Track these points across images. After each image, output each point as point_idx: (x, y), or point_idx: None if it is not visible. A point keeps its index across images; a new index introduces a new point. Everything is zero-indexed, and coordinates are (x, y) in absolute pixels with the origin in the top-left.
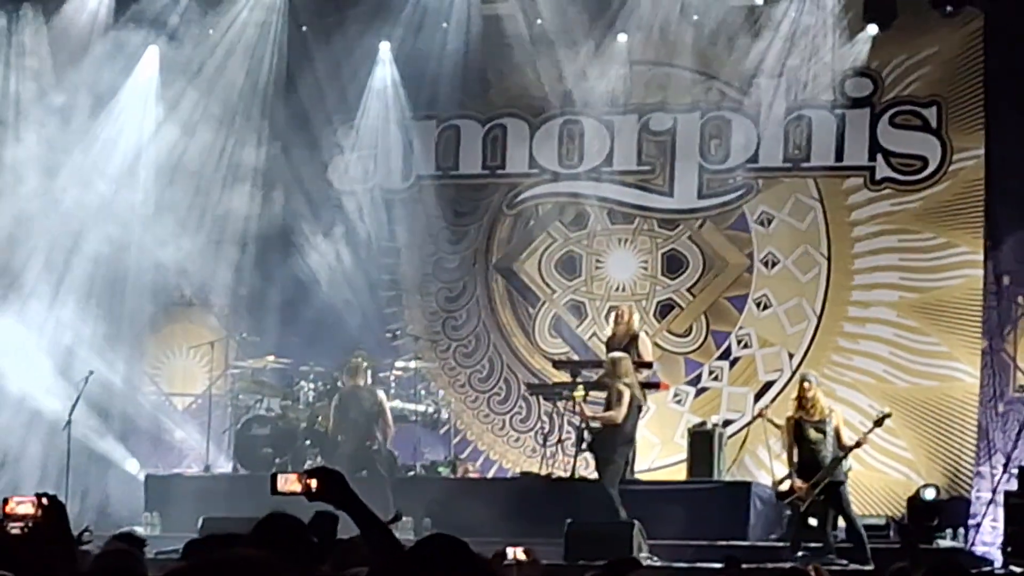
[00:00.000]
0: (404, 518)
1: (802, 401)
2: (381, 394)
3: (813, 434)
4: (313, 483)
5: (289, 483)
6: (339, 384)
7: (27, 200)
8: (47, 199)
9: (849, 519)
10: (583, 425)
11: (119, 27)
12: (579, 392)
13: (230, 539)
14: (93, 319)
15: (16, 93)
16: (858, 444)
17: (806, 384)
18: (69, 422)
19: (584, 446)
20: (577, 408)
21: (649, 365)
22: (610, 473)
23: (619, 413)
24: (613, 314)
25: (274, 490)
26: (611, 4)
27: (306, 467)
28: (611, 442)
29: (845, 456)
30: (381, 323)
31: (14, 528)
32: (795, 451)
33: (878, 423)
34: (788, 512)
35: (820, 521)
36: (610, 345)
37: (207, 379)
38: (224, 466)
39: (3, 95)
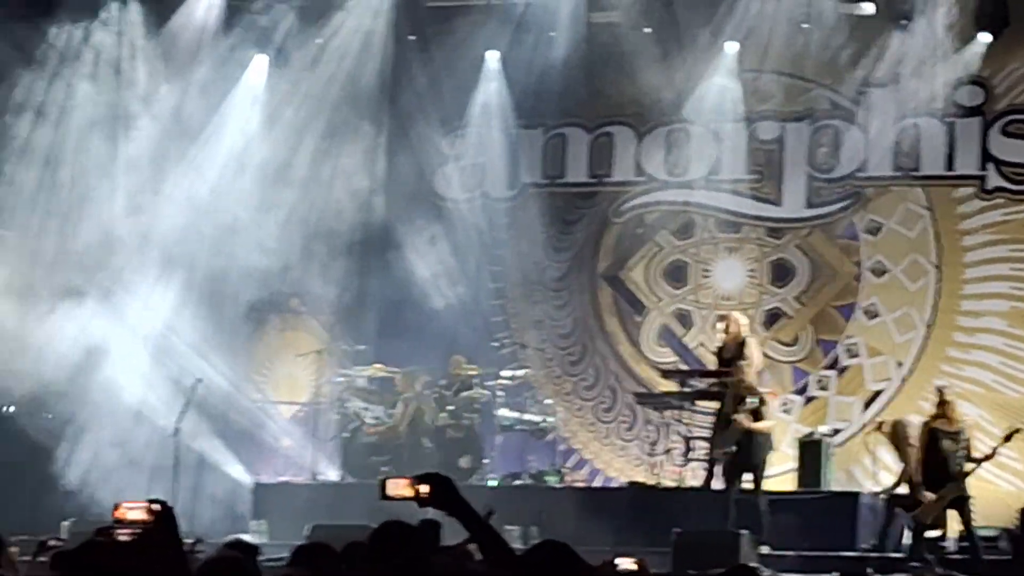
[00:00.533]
0: (510, 526)
1: (943, 410)
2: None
3: (947, 444)
4: (423, 489)
5: (399, 488)
6: (444, 393)
7: (132, 202)
8: (153, 202)
9: (970, 532)
10: (721, 441)
11: (227, 34)
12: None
13: (345, 547)
14: (200, 325)
15: (125, 95)
16: (988, 458)
17: (945, 393)
18: (177, 429)
19: (719, 453)
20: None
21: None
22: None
23: (769, 422)
24: (722, 323)
25: (384, 495)
26: (720, 12)
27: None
28: (764, 450)
29: (975, 469)
30: (487, 332)
31: (123, 535)
32: (923, 460)
33: (1007, 438)
34: (903, 522)
35: (941, 534)
36: (721, 354)
37: (312, 387)
38: (331, 474)
39: (114, 93)
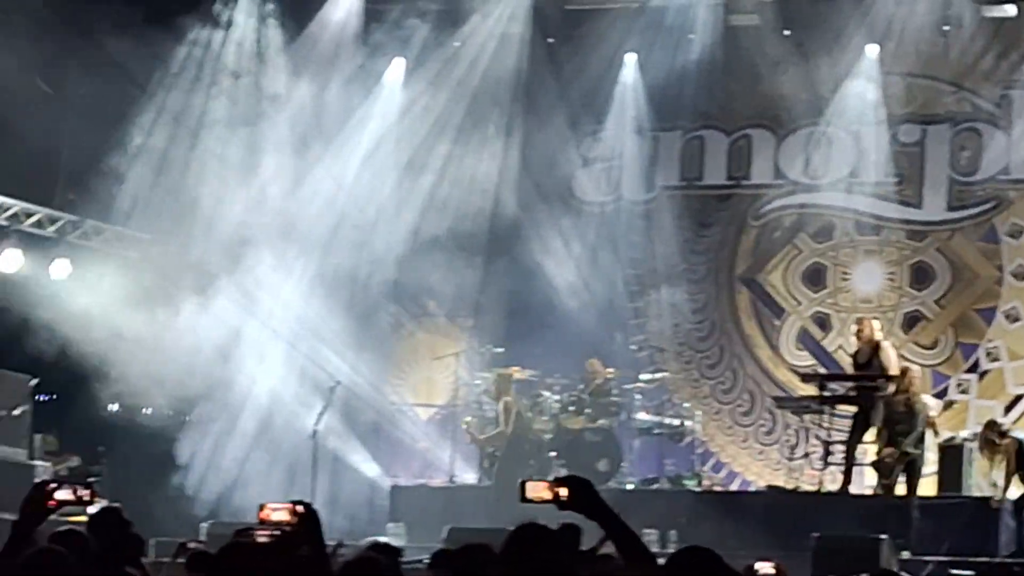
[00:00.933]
0: (648, 529)
1: None
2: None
3: None
4: (563, 491)
5: (539, 491)
6: (582, 396)
7: (270, 200)
8: (288, 203)
9: None
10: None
11: (365, 38)
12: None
13: (480, 549)
14: (337, 327)
15: (262, 94)
16: None
17: None
18: (316, 431)
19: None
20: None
21: (892, 377)
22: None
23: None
24: (855, 327)
25: (523, 498)
26: (860, 15)
27: (551, 477)
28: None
29: None
30: (624, 334)
31: (262, 536)
32: None
33: None
34: None
35: None
36: (856, 358)
37: (450, 390)
38: (469, 477)
39: (250, 97)
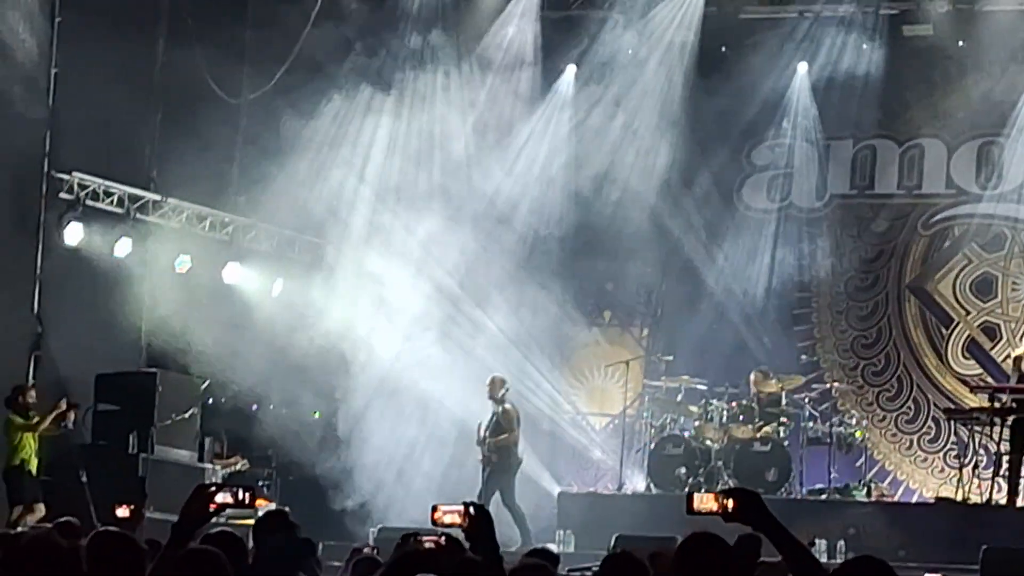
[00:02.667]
0: (818, 540)
1: None
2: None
3: None
4: (730, 503)
5: (705, 502)
6: (751, 406)
7: (451, 209)
8: (460, 216)
9: None
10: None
11: (541, 47)
12: None
13: (651, 557)
14: (515, 335)
15: (440, 114)
16: None
17: None
18: (484, 437)
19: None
20: None
21: None
22: None
23: None
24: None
25: (690, 509)
26: None
27: (720, 487)
28: None
29: None
30: (791, 342)
31: (428, 542)
32: None
33: None
34: None
35: None
36: (1018, 366)
37: (623, 399)
38: (638, 485)
39: (428, 113)
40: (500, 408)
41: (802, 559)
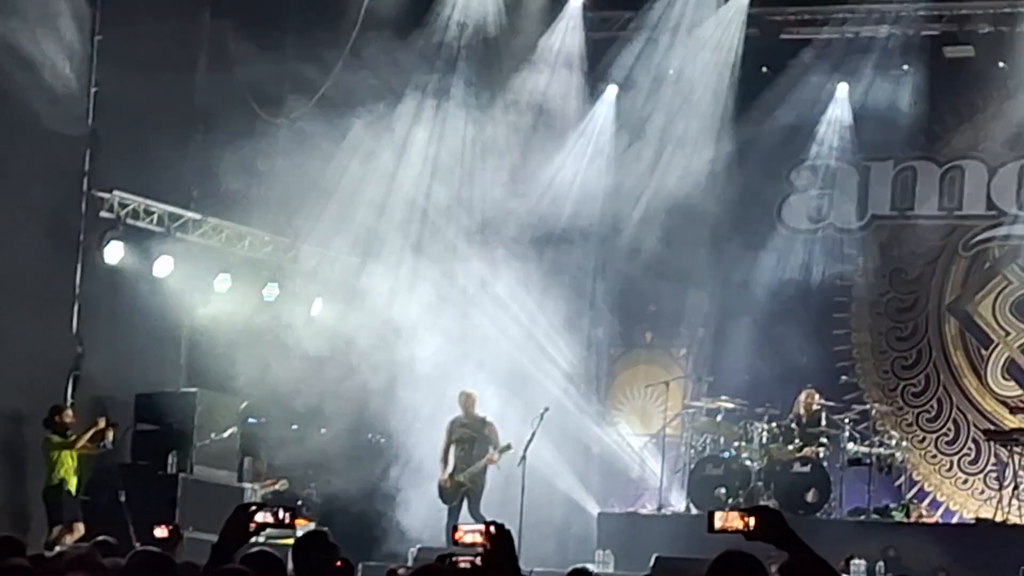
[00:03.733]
0: (857, 560)
1: None
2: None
3: None
4: (752, 521)
5: (727, 521)
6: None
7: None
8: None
9: None
10: None
11: (585, 67)
12: None
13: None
14: (557, 351)
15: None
16: None
17: None
18: (524, 457)
19: None
20: None
21: None
22: None
23: None
24: None
25: (711, 528)
26: None
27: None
28: None
29: None
30: (832, 362)
31: (463, 562)
32: None
33: None
34: None
35: None
36: None
37: (663, 420)
38: (678, 505)
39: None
40: (484, 425)
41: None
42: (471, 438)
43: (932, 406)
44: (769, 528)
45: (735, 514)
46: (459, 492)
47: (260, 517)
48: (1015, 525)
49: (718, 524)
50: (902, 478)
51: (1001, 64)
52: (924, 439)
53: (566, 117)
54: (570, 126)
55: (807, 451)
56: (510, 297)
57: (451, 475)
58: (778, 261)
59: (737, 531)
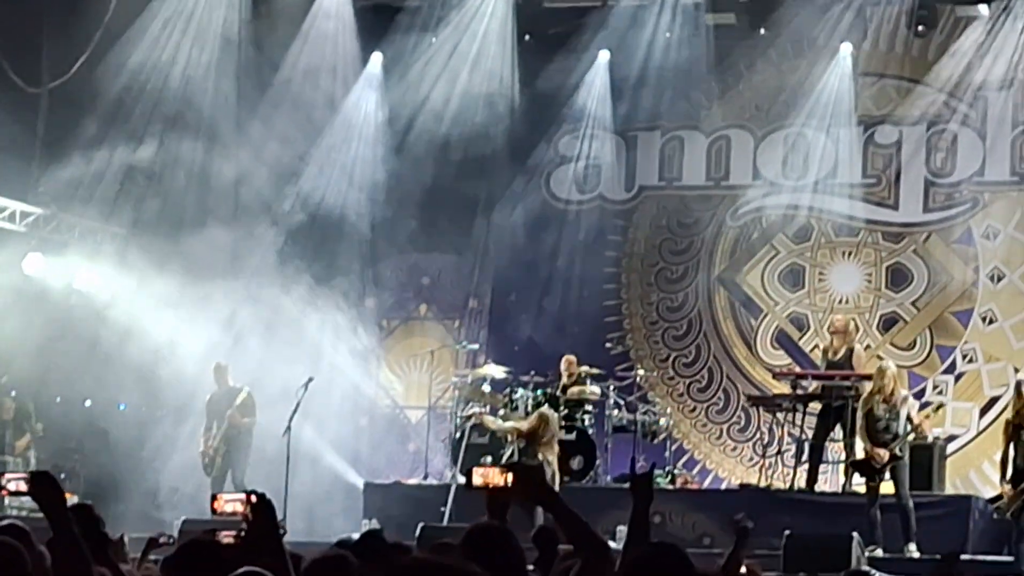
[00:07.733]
0: (623, 527)
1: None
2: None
3: None
4: (510, 477)
5: (487, 477)
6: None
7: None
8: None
9: None
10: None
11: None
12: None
13: (442, 548)
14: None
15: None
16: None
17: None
18: (289, 428)
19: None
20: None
21: (867, 377)
22: None
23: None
24: (829, 323)
25: (470, 484)
26: (834, 15)
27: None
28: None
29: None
30: (601, 332)
31: (227, 537)
32: (1009, 456)
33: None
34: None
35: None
36: (826, 355)
37: (437, 391)
38: (445, 475)
39: None
40: (246, 392)
41: (587, 538)
42: (224, 409)
43: (703, 376)
44: (528, 484)
45: (495, 470)
46: (216, 462)
47: (13, 486)
48: (778, 489)
49: (478, 481)
50: (672, 446)
51: (762, 30)
52: (695, 408)
53: (335, 93)
54: (339, 102)
55: (573, 419)
56: (278, 271)
57: (208, 445)
58: (547, 231)
59: (496, 488)
